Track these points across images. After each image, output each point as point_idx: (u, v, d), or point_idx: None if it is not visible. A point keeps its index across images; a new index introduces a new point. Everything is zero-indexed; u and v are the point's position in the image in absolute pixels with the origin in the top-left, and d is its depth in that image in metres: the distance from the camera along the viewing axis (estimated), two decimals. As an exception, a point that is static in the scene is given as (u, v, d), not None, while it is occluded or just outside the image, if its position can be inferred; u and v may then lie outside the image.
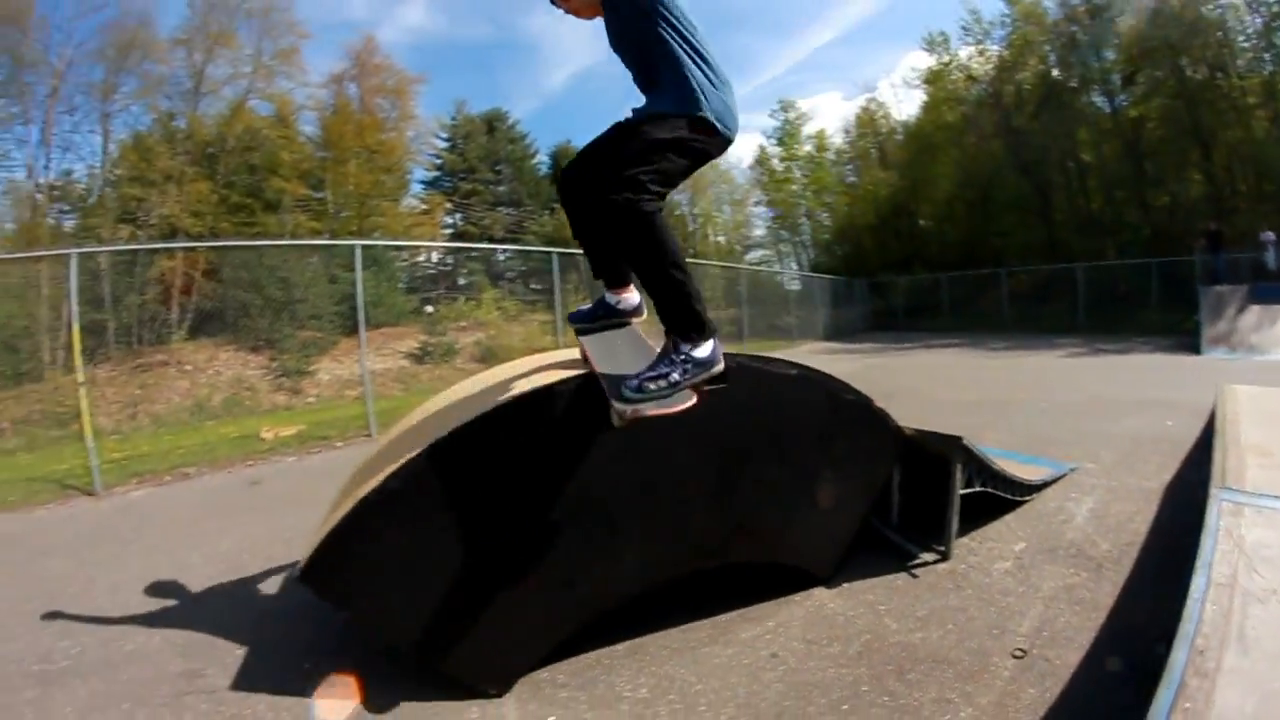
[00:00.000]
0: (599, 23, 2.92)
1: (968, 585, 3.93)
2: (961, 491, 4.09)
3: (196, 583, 5.30)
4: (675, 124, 2.60)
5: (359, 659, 3.63)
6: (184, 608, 4.93)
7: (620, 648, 3.20)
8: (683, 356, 2.59)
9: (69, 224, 21.50)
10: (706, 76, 2.65)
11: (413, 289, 15.85)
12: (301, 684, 3.52)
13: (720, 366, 2.67)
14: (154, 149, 22.56)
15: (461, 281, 19.41)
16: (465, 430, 2.89)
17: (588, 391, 2.89)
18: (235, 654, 4.09)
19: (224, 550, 5.81)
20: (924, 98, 39.69)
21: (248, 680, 3.73)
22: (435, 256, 19.48)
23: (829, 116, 79.46)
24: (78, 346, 9.30)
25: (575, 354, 3.62)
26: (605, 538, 3.14)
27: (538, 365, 3.61)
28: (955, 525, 4.17)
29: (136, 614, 4.93)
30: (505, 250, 15.59)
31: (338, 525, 2.93)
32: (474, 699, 3.03)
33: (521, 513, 3.01)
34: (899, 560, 4.26)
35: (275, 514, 6.57)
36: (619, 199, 2.49)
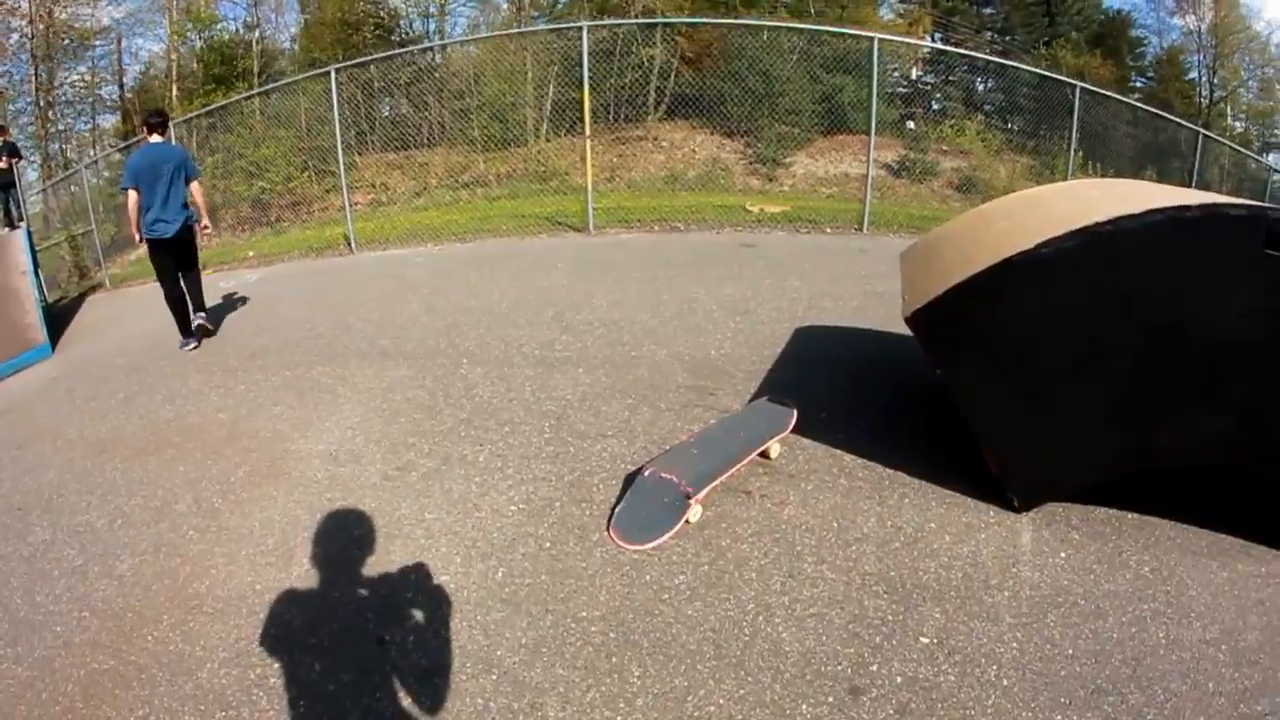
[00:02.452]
0: None
1: None
2: None
3: (703, 313, 5.47)
4: None
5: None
6: (691, 332, 5.29)
7: (1131, 518, 2.96)
8: None
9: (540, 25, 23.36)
10: None
11: (891, 104, 14.89)
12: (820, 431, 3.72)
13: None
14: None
15: (935, 106, 17.73)
16: (1124, 228, 2.52)
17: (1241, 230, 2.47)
18: (738, 384, 4.36)
19: (727, 294, 5.96)
20: None
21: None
22: (915, 74, 17.94)
23: None
24: (587, 105, 9.97)
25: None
26: (1195, 391, 2.66)
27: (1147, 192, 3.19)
28: None
29: (640, 329, 5.41)
30: (1030, 71, 13.54)
31: (971, 278, 2.76)
32: (993, 504, 3.05)
33: (1131, 330, 2.66)
34: None
35: (776, 274, 6.69)
36: None
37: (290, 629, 2.59)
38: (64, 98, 25.62)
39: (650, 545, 2.80)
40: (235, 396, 4.80)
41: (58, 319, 8.98)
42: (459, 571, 2.80)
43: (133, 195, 5.77)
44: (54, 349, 7.64)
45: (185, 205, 5.95)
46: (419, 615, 2.60)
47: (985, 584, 2.59)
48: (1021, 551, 2.77)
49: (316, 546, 3.05)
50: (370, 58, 14.37)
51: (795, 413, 3.47)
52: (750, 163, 15.12)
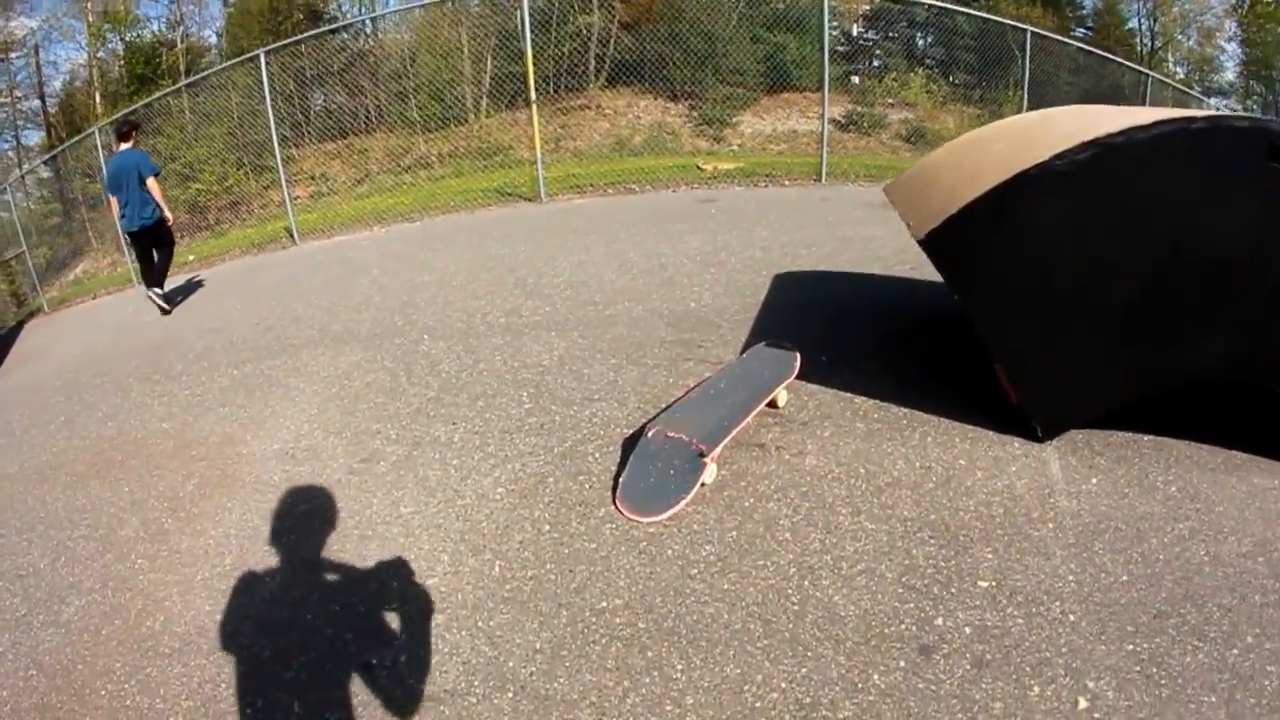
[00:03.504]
0: None
1: None
2: None
3: (673, 268, 5.20)
4: None
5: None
6: (665, 287, 4.99)
7: (1147, 440, 2.82)
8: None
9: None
10: None
11: (834, 61, 14.61)
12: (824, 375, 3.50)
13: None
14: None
15: (876, 63, 17.57)
16: (1134, 139, 2.39)
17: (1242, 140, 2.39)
18: (725, 334, 4.07)
19: (694, 248, 5.66)
20: None
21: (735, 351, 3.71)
22: (856, 30, 17.73)
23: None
24: (530, 73, 9.55)
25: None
26: (1206, 306, 2.56)
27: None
28: None
29: (611, 287, 5.10)
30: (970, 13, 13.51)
31: (985, 194, 2.56)
32: (1016, 435, 2.85)
33: (1144, 244, 2.52)
34: None
35: (741, 226, 6.40)
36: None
37: (261, 664, 2.20)
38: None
39: (666, 515, 2.50)
40: (179, 403, 4.35)
41: (-1, 351, 8.49)
42: (448, 571, 2.44)
43: (112, 199, 6.80)
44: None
45: (146, 202, 6.69)
46: (409, 629, 2.23)
47: (1028, 518, 2.39)
48: (1054, 481, 2.58)
49: (280, 561, 2.66)
50: (301, 36, 13.69)
51: (799, 356, 3.21)
52: (697, 125, 14.75)
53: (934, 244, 2.69)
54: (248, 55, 11.61)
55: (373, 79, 15.76)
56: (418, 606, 2.30)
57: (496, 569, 2.42)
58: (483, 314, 4.76)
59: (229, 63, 14.76)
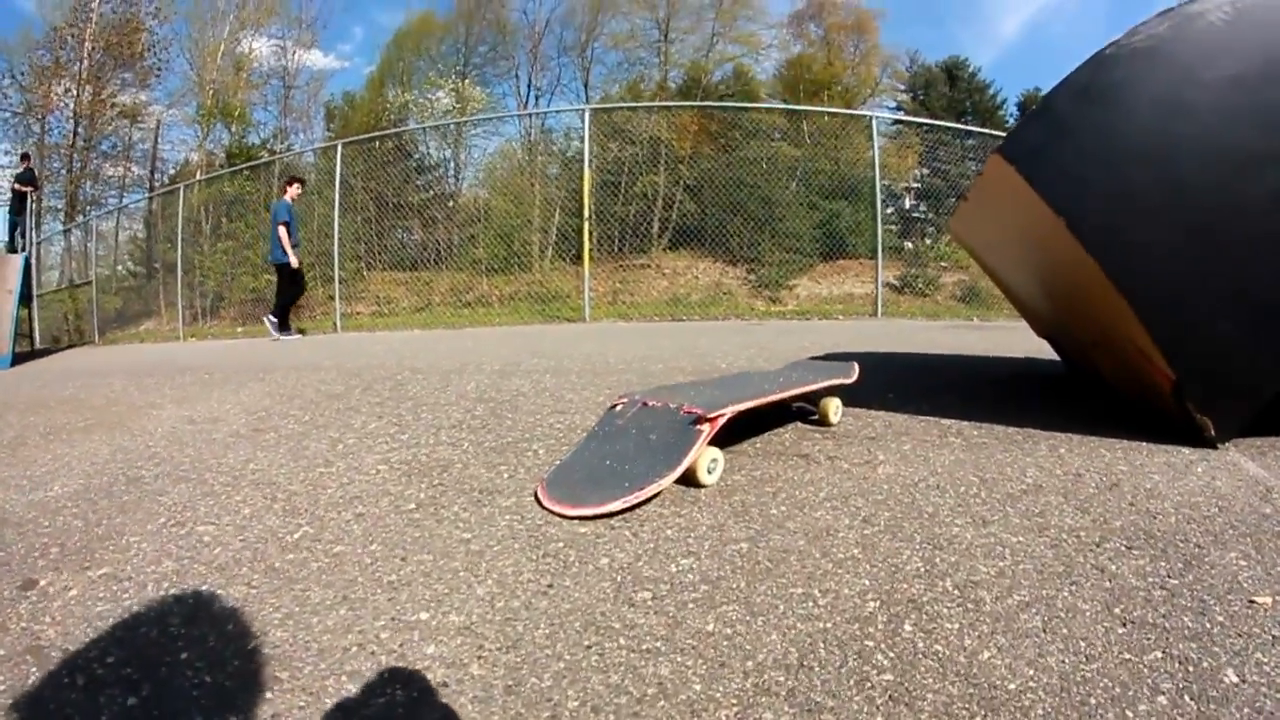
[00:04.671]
0: None
1: None
2: None
3: (708, 347, 4.47)
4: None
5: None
6: (695, 358, 4.37)
7: None
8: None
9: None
10: None
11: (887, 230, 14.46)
12: (895, 405, 2.79)
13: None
14: (638, 83, 24.75)
15: (929, 242, 17.45)
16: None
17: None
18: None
19: (734, 340, 5.10)
20: None
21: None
22: (909, 203, 17.77)
23: None
24: (587, 183, 9.47)
25: None
26: None
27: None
28: None
29: (631, 355, 4.41)
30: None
31: (1068, 77, 1.92)
32: (1179, 445, 1.87)
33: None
34: None
35: (788, 336, 5.63)
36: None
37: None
38: (96, 169, 24.81)
39: (612, 507, 1.46)
40: (140, 386, 4.04)
41: (38, 356, 9.02)
42: (232, 524, 1.60)
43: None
44: (14, 364, 7.50)
45: (275, 243, 7.95)
46: (103, 570, 1.37)
47: (1259, 514, 1.39)
48: (1262, 478, 1.60)
49: (80, 480, 2.09)
50: (374, 134, 14.45)
51: (856, 365, 2.20)
52: (754, 286, 14.32)
53: (1018, 151, 1.92)
54: (327, 144, 11.98)
55: (447, 219, 16.19)
56: (146, 552, 1.47)
57: (294, 535, 1.49)
58: (478, 364, 3.92)
59: (308, 148, 15.21)
